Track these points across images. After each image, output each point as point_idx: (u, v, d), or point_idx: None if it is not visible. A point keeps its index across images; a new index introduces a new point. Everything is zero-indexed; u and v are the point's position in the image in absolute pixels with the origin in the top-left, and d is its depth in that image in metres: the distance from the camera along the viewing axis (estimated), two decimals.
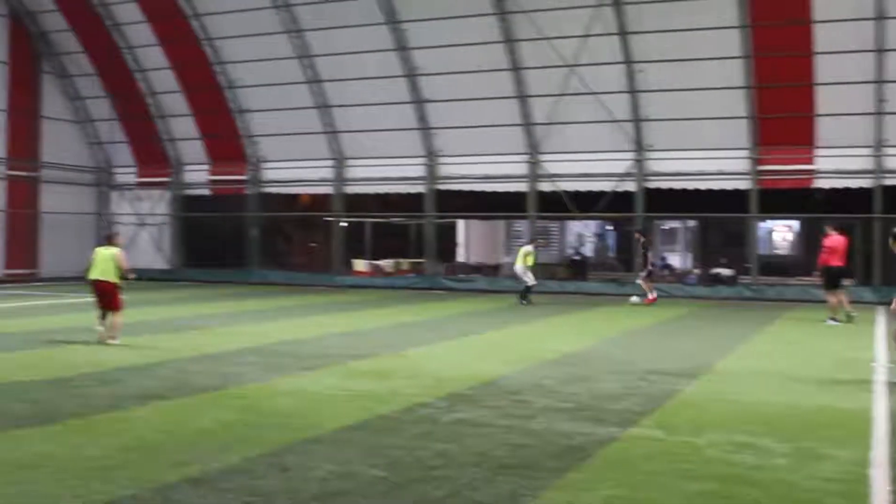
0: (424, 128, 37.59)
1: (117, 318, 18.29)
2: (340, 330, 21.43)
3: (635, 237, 33.38)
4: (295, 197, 44.95)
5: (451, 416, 10.94)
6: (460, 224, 46.40)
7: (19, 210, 41.35)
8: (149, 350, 17.09)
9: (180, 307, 28.04)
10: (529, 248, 31.12)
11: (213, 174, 43.03)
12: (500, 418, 10.80)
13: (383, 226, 46.93)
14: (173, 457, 8.81)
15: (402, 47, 36.10)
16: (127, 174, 45.00)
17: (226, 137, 41.69)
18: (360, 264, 41.92)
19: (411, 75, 36.58)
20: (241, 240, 42.54)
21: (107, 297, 18.25)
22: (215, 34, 38.98)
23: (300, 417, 10.82)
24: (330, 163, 40.05)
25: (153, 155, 43.68)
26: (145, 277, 39.98)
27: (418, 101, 37.06)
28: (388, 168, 38.69)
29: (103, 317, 18.36)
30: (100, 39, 41.10)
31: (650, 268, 31.41)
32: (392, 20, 35.56)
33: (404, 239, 47.68)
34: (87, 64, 42.48)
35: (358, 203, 41.55)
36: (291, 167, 40.73)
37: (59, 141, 43.18)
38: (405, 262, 43.16)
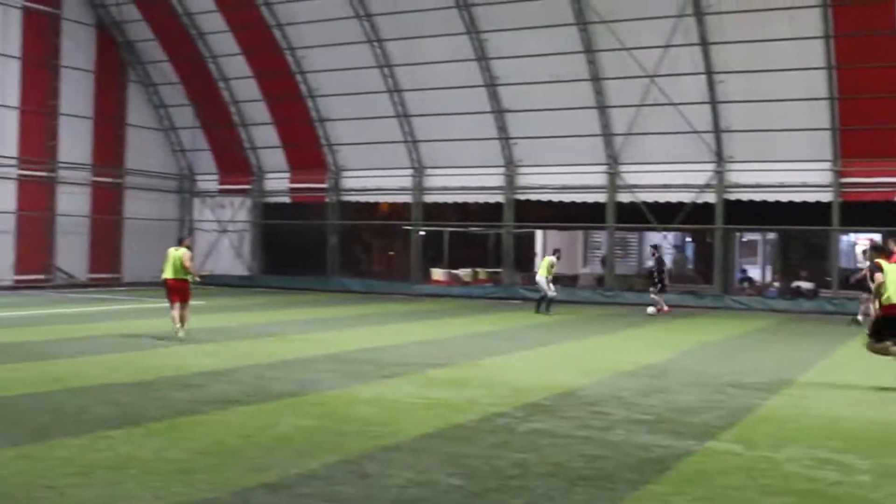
0: (503, 137, 37.59)
1: (186, 310, 20.49)
2: (418, 338, 21.52)
3: (651, 253, 33.51)
4: (374, 205, 45.15)
5: (527, 426, 10.94)
6: (538, 234, 46.31)
7: (104, 216, 42.08)
8: (228, 355, 17.31)
9: (259, 313, 28.34)
10: (552, 258, 31.15)
11: (294, 182, 43.42)
12: (577, 429, 10.78)
13: (461, 235, 46.95)
14: (252, 461, 8.91)
15: (482, 57, 36.15)
16: (209, 181, 45.61)
17: (306, 146, 42.08)
18: (438, 273, 42.02)
19: (491, 85, 36.62)
20: (320, 247, 42.82)
21: (180, 293, 20.52)
22: (297, 44, 39.36)
23: (379, 425, 10.88)
24: (409, 172, 40.23)
25: (235, 162, 44.20)
26: (224, 283, 40.72)
27: (498, 111, 37.08)
28: (466, 177, 38.80)
29: (179, 317, 20.38)
30: (184, 49, 41.70)
31: (662, 283, 31.57)
32: (472, 30, 35.63)
33: (482, 248, 47.67)
34: (171, 73, 43.14)
35: (436, 212, 41.66)
36: (371, 176, 40.99)
37: (143, 148, 43.91)
38: (483, 272, 43.16)
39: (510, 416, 11.53)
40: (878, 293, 14.48)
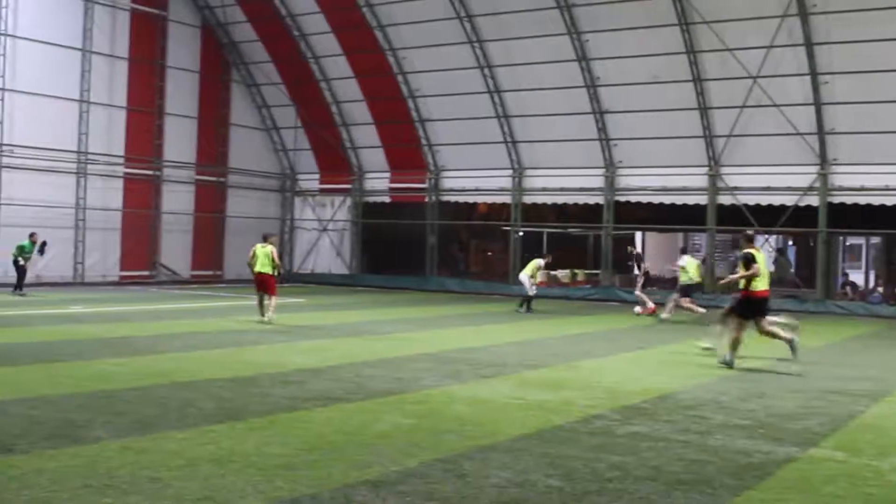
0: (604, 139, 37.42)
1: (273, 301, 23.00)
2: (515, 339, 21.52)
3: (630, 252, 33.26)
4: (472, 205, 45.26)
5: (626, 428, 10.89)
6: (638, 236, 46.00)
7: (207, 214, 42.78)
8: (327, 353, 17.47)
9: (358, 312, 28.60)
10: (541, 262, 31.39)
11: (393, 182, 43.70)
12: (676, 433, 10.71)
13: (560, 236, 46.82)
14: (353, 458, 8.99)
15: (582, 58, 36.03)
16: (310, 181, 46.17)
17: (406, 146, 42.36)
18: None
19: (591, 86, 36.49)
20: (418, 247, 43.04)
21: (265, 285, 23.16)
22: (398, 44, 39.64)
23: (476, 425, 10.91)
24: (508, 172, 40.27)
25: (335, 162, 44.65)
26: (324, 282, 41.18)
27: (598, 112, 36.92)
28: (566, 178, 38.71)
29: (261, 302, 23.26)
30: (287, 49, 42.26)
31: (643, 279, 31.37)
32: (573, 31, 35.53)
33: (581, 249, 47.50)
34: (274, 73, 43.70)
35: (535, 212, 41.63)
36: (470, 176, 41.13)
37: (245, 147, 44.66)
38: (581, 273, 43.01)
39: (608, 419, 11.50)
40: (752, 277, 16.73)
